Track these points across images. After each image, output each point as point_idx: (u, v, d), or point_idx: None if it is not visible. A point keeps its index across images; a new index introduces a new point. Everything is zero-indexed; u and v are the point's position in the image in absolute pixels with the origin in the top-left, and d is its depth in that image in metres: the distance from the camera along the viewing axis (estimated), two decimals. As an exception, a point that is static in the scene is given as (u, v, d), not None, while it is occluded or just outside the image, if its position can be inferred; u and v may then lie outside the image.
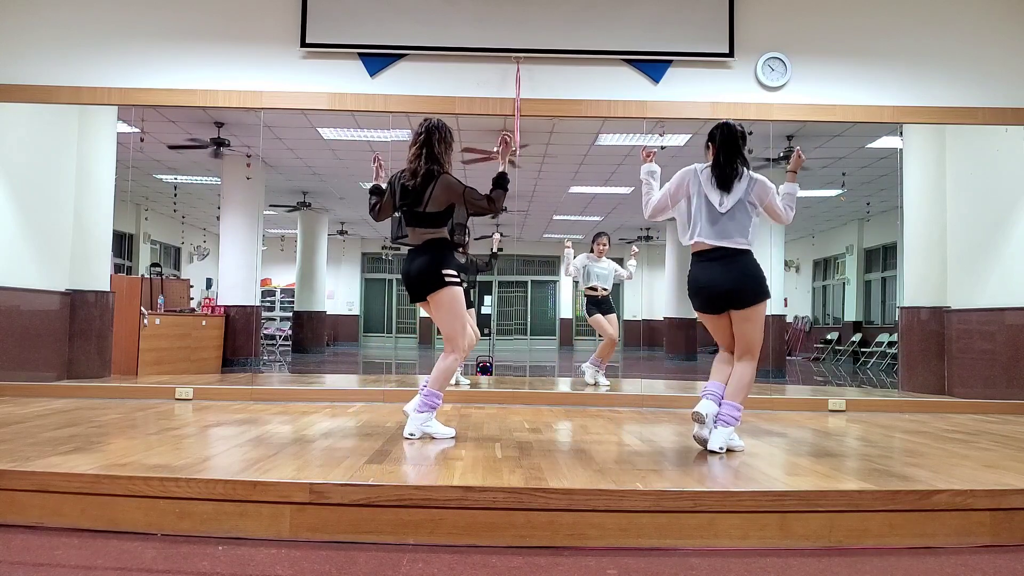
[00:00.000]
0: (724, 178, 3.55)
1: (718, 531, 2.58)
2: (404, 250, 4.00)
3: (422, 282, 3.82)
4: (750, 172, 3.63)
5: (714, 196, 3.56)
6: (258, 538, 2.54)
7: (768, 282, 3.62)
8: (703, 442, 3.56)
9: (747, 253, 3.58)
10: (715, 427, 3.53)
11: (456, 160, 9.99)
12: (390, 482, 2.69)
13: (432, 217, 3.82)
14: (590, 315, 7.10)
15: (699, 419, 3.55)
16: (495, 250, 7.54)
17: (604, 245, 7.09)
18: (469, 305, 6.48)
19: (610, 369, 7.52)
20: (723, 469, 3.10)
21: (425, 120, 3.88)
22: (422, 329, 18.76)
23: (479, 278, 7.49)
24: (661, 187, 3.78)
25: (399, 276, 4.03)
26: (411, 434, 3.76)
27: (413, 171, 3.81)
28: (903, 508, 2.65)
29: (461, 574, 2.26)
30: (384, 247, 17.35)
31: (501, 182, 3.90)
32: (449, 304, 3.83)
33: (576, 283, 7.28)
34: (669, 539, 2.57)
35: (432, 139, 3.81)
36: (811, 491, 2.67)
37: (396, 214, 4.01)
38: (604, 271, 7.06)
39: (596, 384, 6.85)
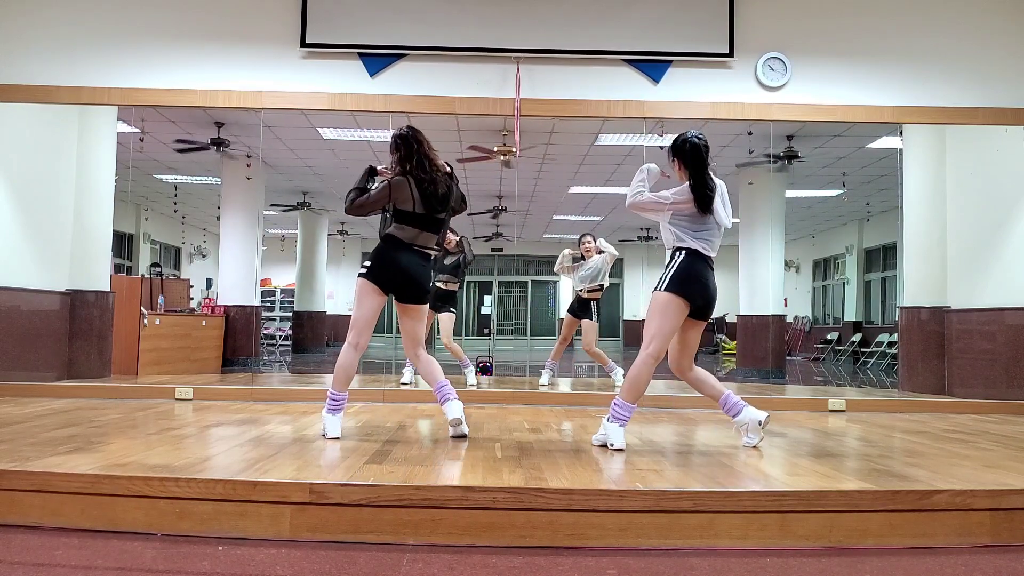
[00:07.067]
0: (707, 200, 3.56)
1: (718, 531, 2.58)
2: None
3: (427, 290, 3.90)
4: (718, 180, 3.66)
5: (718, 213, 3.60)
6: (258, 538, 2.54)
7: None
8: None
9: None
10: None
11: (454, 160, 9.97)
12: (390, 482, 2.68)
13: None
14: (568, 310, 7.04)
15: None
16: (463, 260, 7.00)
17: (589, 242, 6.84)
18: None
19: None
20: (723, 469, 3.10)
21: (408, 128, 3.77)
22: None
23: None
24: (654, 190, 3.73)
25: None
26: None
27: (433, 178, 3.72)
28: (903, 508, 2.65)
29: (461, 574, 2.26)
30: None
31: None
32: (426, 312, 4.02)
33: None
34: (669, 539, 2.57)
35: (425, 145, 3.76)
36: (811, 491, 2.67)
37: (387, 214, 3.87)
38: (587, 271, 6.80)
39: (550, 384, 6.81)
